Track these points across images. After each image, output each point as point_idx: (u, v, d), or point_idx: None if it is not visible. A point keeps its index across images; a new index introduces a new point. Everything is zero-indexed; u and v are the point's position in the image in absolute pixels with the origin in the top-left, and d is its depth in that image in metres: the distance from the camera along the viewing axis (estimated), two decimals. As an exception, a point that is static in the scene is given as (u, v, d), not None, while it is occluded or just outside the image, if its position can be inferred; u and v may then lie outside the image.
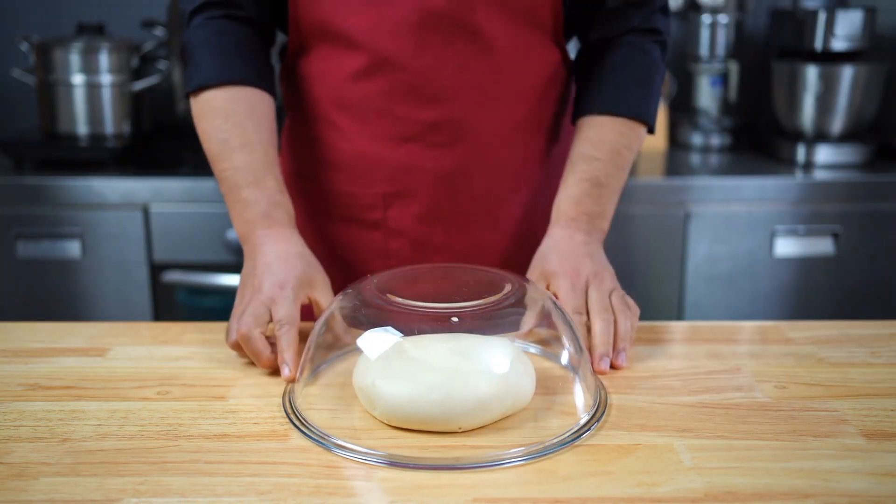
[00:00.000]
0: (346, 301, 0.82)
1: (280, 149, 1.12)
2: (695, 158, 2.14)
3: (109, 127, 2.06)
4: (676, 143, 2.27)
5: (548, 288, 0.93)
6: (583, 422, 0.73)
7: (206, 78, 0.98)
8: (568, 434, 0.71)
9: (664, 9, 1.07)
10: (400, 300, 0.78)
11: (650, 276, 1.93)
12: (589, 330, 0.89)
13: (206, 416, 0.76)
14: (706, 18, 2.18)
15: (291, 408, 0.77)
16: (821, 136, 2.08)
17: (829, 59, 2.05)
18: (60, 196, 1.86)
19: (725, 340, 0.94)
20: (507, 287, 0.80)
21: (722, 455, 0.69)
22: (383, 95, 1.02)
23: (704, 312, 1.95)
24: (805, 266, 1.94)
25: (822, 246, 1.93)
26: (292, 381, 0.81)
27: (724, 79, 2.22)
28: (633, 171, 1.93)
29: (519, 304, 0.80)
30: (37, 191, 1.86)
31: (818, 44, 2.02)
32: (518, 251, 1.11)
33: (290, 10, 1.02)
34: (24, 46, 2.07)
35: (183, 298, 1.92)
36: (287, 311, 0.85)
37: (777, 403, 0.78)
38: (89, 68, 2.02)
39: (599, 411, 0.76)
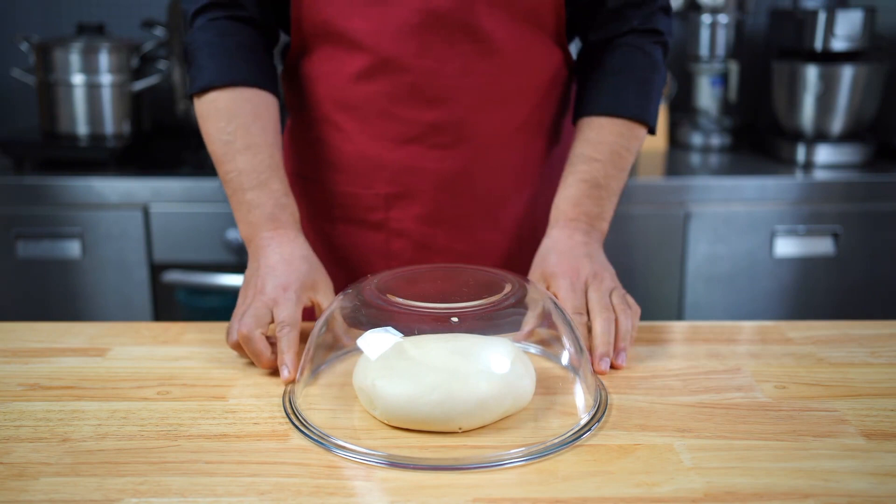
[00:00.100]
0: (347, 301, 0.82)
1: (282, 149, 1.12)
2: (695, 158, 2.14)
3: (109, 127, 2.06)
4: (676, 143, 2.27)
5: (548, 288, 0.93)
6: (583, 422, 0.73)
7: (209, 79, 0.98)
8: (568, 434, 0.71)
9: (665, 9, 1.07)
10: (400, 300, 0.78)
11: (650, 276, 1.93)
12: (590, 330, 0.89)
13: (206, 416, 0.76)
14: (706, 18, 2.18)
15: (291, 408, 0.77)
16: (821, 136, 2.08)
17: (829, 59, 2.05)
18: (60, 196, 1.86)
19: (725, 340, 0.94)
20: (508, 287, 0.80)
21: (722, 455, 0.69)
22: (385, 96, 1.02)
23: (704, 312, 1.95)
24: (805, 266, 1.94)
25: (822, 246, 1.93)
26: (292, 382, 0.81)
27: (724, 79, 2.22)
28: (633, 171, 1.93)
29: (519, 304, 0.80)
30: (37, 191, 1.86)
31: (818, 44, 2.02)
32: (519, 251, 1.12)
33: (292, 11, 1.02)
34: (24, 46, 2.07)
35: (183, 298, 1.92)
36: (289, 312, 0.85)
37: (777, 403, 0.78)
38: (89, 68, 2.02)
39: (600, 411, 0.76)
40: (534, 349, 0.88)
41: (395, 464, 0.67)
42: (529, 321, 0.83)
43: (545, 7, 1.01)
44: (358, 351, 0.77)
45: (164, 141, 2.22)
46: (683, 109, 2.34)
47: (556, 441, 0.70)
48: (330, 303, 0.90)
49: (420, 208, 1.07)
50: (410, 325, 0.76)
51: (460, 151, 1.05)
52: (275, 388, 0.82)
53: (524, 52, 1.03)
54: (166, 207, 1.86)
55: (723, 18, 2.17)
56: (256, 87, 0.99)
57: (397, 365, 0.73)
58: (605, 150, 1.01)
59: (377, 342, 0.76)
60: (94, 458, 0.69)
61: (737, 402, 0.78)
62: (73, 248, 1.87)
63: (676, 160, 2.13)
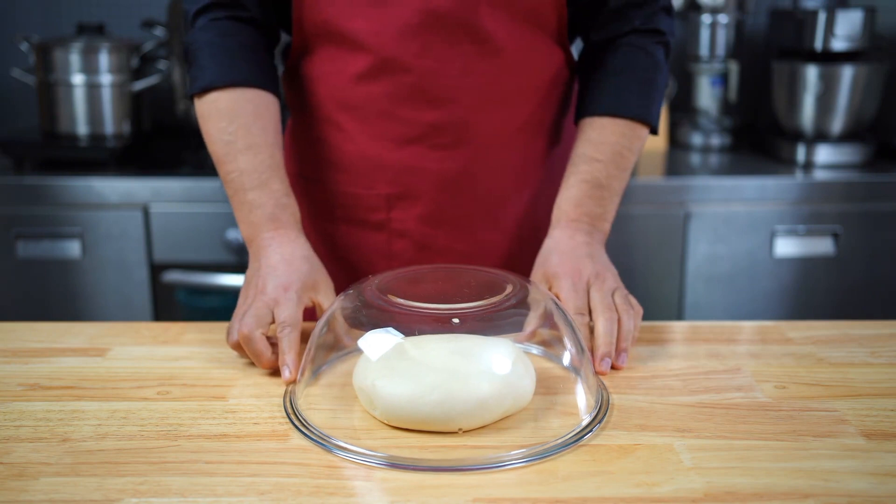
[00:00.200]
0: (348, 302, 0.82)
1: (283, 149, 1.12)
2: (695, 158, 2.14)
3: (109, 127, 2.06)
4: (676, 143, 2.27)
5: (550, 289, 0.93)
6: (585, 423, 0.73)
7: (210, 79, 0.98)
8: (570, 435, 0.71)
9: (667, 9, 1.06)
10: (401, 301, 0.77)
11: (650, 276, 1.93)
12: (591, 330, 0.89)
13: (206, 416, 0.76)
14: (706, 18, 2.18)
15: (292, 408, 0.77)
16: (821, 136, 2.08)
17: (829, 59, 2.05)
18: (60, 196, 1.86)
19: (725, 340, 0.94)
20: (509, 288, 0.80)
21: (722, 455, 0.69)
22: (387, 97, 1.02)
23: (704, 312, 1.95)
24: (805, 266, 1.94)
25: (822, 246, 1.93)
26: (292, 382, 0.81)
27: (724, 79, 2.22)
28: (634, 171, 1.93)
29: (520, 305, 0.80)
30: (37, 191, 1.86)
31: (818, 44, 2.03)
32: (520, 251, 1.12)
33: (294, 11, 1.02)
34: (24, 46, 2.07)
35: (183, 298, 1.92)
36: (290, 313, 0.85)
37: (777, 403, 0.78)
38: (89, 68, 2.02)
39: (601, 412, 0.76)
40: (535, 349, 0.88)
41: (395, 464, 0.67)
42: (531, 322, 0.83)
43: (546, 7, 1.01)
44: (359, 351, 0.77)
45: (164, 141, 2.22)
46: (683, 109, 2.34)
47: (559, 442, 0.70)
48: (331, 303, 0.90)
49: (421, 209, 1.07)
50: (411, 326, 0.76)
51: (461, 152, 1.05)
52: (275, 388, 0.82)
53: (525, 53, 1.03)
54: (166, 207, 1.86)
55: (723, 18, 2.17)
56: (257, 87, 0.99)
57: (397, 365, 0.73)
58: (606, 150, 1.01)
59: (378, 343, 0.75)
60: (94, 458, 0.69)
61: (737, 402, 0.78)
62: (73, 248, 1.87)
63: (676, 160, 2.13)
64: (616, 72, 1.04)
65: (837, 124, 2.06)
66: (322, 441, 0.71)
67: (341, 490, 0.64)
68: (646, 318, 0.95)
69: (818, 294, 1.96)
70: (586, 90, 1.06)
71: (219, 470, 0.67)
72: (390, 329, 0.76)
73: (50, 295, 1.90)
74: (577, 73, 1.11)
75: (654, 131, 1.05)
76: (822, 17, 2.01)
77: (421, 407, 0.71)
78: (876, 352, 0.90)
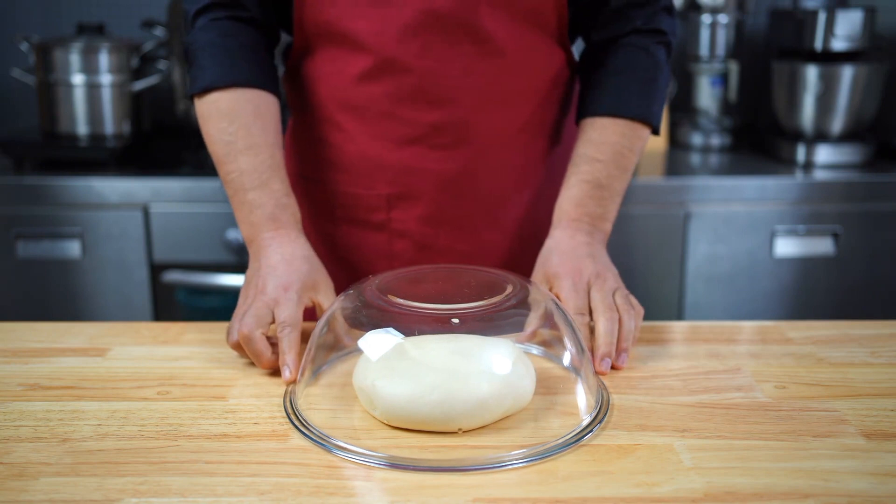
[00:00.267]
0: (348, 302, 0.82)
1: (283, 150, 1.12)
2: (695, 158, 2.14)
3: (109, 127, 2.06)
4: (676, 143, 2.27)
5: (551, 289, 0.93)
6: (585, 423, 0.73)
7: (211, 80, 0.98)
8: (570, 435, 0.71)
9: (668, 9, 1.06)
10: (401, 301, 0.77)
11: (650, 276, 1.93)
12: (592, 330, 0.88)
13: (206, 416, 0.76)
14: (706, 18, 2.18)
15: (292, 408, 0.77)
16: (821, 136, 2.08)
17: (828, 59, 2.05)
18: (60, 196, 1.86)
19: (725, 340, 0.94)
20: (509, 288, 0.80)
21: (722, 455, 0.69)
22: (388, 97, 1.02)
23: (704, 312, 1.95)
24: (805, 266, 1.94)
25: (822, 246, 1.93)
26: (293, 382, 0.81)
27: (724, 79, 2.22)
28: (634, 172, 1.92)
29: (520, 305, 0.80)
30: (37, 191, 1.86)
31: (818, 44, 2.03)
32: (521, 251, 1.12)
33: (295, 11, 1.02)
34: (24, 46, 2.07)
35: (183, 298, 1.92)
36: (290, 313, 0.85)
37: (777, 403, 0.78)
38: (89, 68, 2.02)
39: (602, 412, 0.76)
40: (535, 349, 0.88)
41: (395, 464, 0.67)
42: (531, 322, 0.83)
43: (547, 7, 1.01)
44: (359, 351, 0.77)
45: (164, 141, 2.22)
46: (683, 109, 2.34)
47: (558, 442, 0.70)
48: (331, 303, 0.90)
49: (422, 209, 1.07)
50: (411, 326, 0.76)
51: (462, 152, 1.05)
52: (275, 388, 0.82)
53: (526, 53, 1.03)
54: (166, 207, 1.86)
55: (723, 18, 2.17)
56: (258, 87, 0.99)
57: (397, 365, 0.73)
58: (607, 150, 1.01)
59: (378, 343, 0.75)
60: (94, 458, 0.69)
61: (737, 402, 0.78)
62: (73, 248, 1.87)
63: (676, 160, 2.13)
64: (617, 72, 1.04)
65: (837, 124, 2.06)
66: (322, 441, 0.71)
67: (341, 490, 0.64)
68: (646, 317, 0.95)
69: (818, 294, 1.96)
70: (587, 90, 1.06)
71: (219, 470, 0.67)
72: (390, 329, 0.76)
73: (50, 295, 1.90)
74: (578, 73, 1.11)
75: (655, 131, 1.05)
76: (822, 17, 2.01)
77: (421, 407, 0.71)
78: (876, 352, 0.90)
